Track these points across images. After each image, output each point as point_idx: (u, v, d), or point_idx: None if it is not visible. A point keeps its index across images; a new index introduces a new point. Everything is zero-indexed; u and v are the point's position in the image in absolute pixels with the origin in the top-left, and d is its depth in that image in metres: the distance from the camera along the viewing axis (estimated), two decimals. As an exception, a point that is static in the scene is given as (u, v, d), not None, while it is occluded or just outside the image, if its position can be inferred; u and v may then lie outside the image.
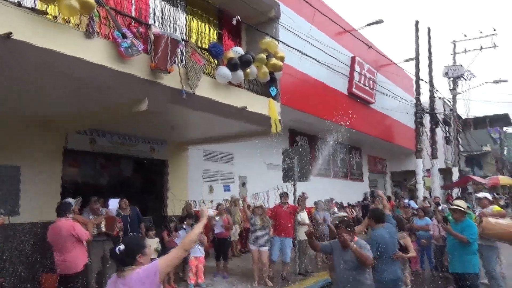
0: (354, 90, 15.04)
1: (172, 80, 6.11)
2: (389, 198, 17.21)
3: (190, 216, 8.02)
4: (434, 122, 17.98)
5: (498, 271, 7.88)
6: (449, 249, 5.77)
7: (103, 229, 6.59)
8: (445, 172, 23.10)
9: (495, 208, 7.34)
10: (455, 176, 21.15)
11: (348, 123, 14.61)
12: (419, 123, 16.60)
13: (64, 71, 4.84)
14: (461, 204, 5.92)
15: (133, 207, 7.74)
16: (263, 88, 8.29)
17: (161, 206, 10.14)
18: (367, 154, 21.06)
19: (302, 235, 8.56)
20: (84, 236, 5.36)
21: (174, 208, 9.83)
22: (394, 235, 4.73)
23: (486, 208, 7.21)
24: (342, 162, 18.34)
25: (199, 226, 2.79)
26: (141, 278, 2.47)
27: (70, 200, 5.97)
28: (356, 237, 3.91)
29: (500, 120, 45.63)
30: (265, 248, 7.63)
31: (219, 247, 8.27)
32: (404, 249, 5.09)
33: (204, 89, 6.70)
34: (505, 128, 50.91)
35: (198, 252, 7.52)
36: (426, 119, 17.73)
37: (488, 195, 7.76)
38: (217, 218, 3.03)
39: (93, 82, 5.23)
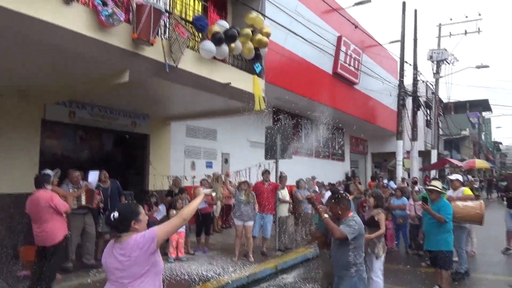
0: (339, 70, 15.04)
1: (154, 52, 5.96)
2: (372, 179, 17.58)
3: (182, 191, 8.05)
4: (416, 105, 18.22)
5: (468, 249, 8.22)
6: (425, 228, 5.94)
7: (83, 202, 6.54)
8: (424, 154, 23.60)
9: (465, 190, 7.59)
10: (434, 158, 21.64)
11: (332, 103, 14.70)
12: (401, 106, 16.79)
13: (42, 39, 4.67)
14: (438, 184, 6.08)
15: (114, 180, 7.68)
16: (248, 65, 8.21)
17: (142, 181, 10.09)
18: (349, 135, 21.27)
19: (282, 211, 8.71)
20: (63, 208, 5.30)
21: (155, 183, 9.80)
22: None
23: (457, 190, 7.43)
24: (325, 142, 18.50)
25: (197, 201, 2.81)
26: (138, 243, 2.48)
27: (49, 171, 5.87)
28: (350, 213, 3.91)
29: (479, 105, 46.69)
30: (250, 223, 7.72)
31: (202, 223, 8.32)
32: (377, 225, 5.26)
33: (188, 63, 6.59)
34: (484, 113, 52.11)
35: (179, 226, 7.56)
36: (409, 101, 17.95)
37: (460, 177, 7.99)
38: (213, 194, 3.04)
39: (72, 52, 5.07)
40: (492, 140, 65.27)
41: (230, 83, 7.42)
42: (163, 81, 6.36)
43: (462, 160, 30.44)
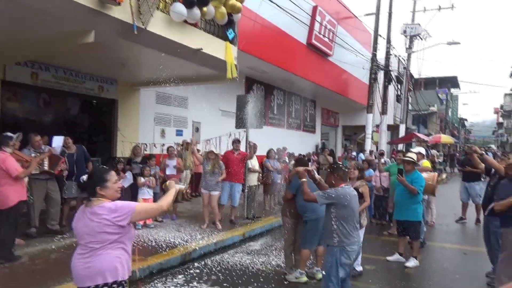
0: (314, 41, 14.93)
1: (122, 12, 5.68)
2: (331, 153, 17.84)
3: (150, 157, 7.94)
4: (388, 79, 18.48)
5: (428, 220, 8.61)
6: (396, 199, 6.11)
7: (45, 167, 6.32)
8: (393, 128, 24.16)
9: (424, 163, 7.98)
10: (402, 133, 22.21)
11: (305, 74, 14.67)
12: (373, 79, 16.98)
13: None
14: (414, 156, 6.24)
15: (80, 145, 7.46)
16: (220, 30, 7.98)
17: (110, 147, 9.88)
18: (321, 107, 21.43)
19: (251, 181, 8.77)
20: (14, 171, 5.10)
21: (123, 150, 9.61)
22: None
23: (419, 162, 7.68)
24: (296, 113, 18.59)
25: (172, 194, 2.81)
26: (110, 209, 2.48)
27: (10, 134, 5.60)
28: (342, 184, 3.91)
29: (448, 81, 47.95)
30: (215, 193, 7.74)
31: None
32: (360, 197, 5.39)
33: (157, 25, 6.33)
34: (452, 90, 53.60)
35: (147, 194, 7.51)
36: (380, 75, 18.16)
37: (423, 150, 8.27)
38: (182, 187, 2.98)
39: (33, 6, 4.75)
40: (458, 116, 67.53)
41: (202, 49, 7.22)
42: (130, 43, 6.11)
43: (428, 135, 31.46)
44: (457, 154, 31.07)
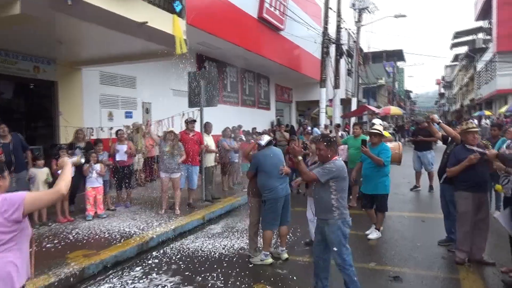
0: (265, 15, 14.53)
1: (52, -20, 5.02)
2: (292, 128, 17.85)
3: (97, 142, 7.37)
4: (339, 53, 18.55)
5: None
6: (364, 172, 6.04)
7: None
8: (345, 102, 24.54)
9: (385, 133, 8.05)
10: (354, 106, 22.61)
11: (257, 49, 14.31)
12: (325, 53, 16.93)
13: None
14: (380, 128, 6.15)
15: (15, 134, 6.73)
16: (166, 3, 7.39)
17: (53, 133, 9.08)
18: (274, 83, 21.23)
19: (208, 161, 8.43)
20: None
21: (68, 135, 8.86)
22: (279, 156, 5.04)
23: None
24: (250, 90, 18.27)
25: (68, 172, 2.44)
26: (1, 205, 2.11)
27: None
28: (335, 157, 3.79)
29: (395, 55, 49.57)
30: (176, 175, 7.34)
31: (122, 176, 7.75)
32: None
33: (95, -4, 5.69)
34: (398, 63, 55.51)
35: (96, 182, 6.97)
36: (332, 49, 18.16)
37: (381, 122, 8.33)
38: (82, 160, 2.61)
39: None
40: (404, 88, 70.38)
41: (147, 22, 6.64)
42: (65, 16, 5.46)
43: (378, 107, 32.39)
44: (406, 125, 32.35)
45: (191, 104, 8.41)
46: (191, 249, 5.66)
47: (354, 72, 23.28)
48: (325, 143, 3.76)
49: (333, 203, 3.70)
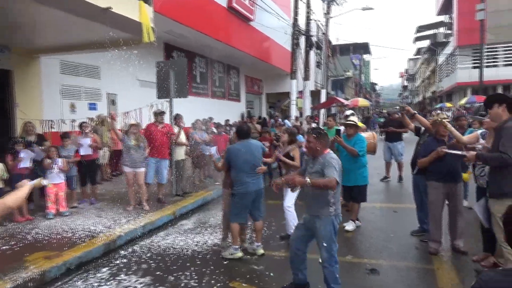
0: (234, 4, 14.23)
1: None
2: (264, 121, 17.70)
3: (41, 138, 6.86)
4: (309, 45, 18.52)
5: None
6: (342, 165, 5.93)
7: None
8: (315, 94, 24.65)
9: (359, 123, 7.99)
10: (323, 98, 22.74)
11: (227, 39, 14.01)
12: (295, 44, 16.83)
13: None
14: (356, 120, 6.06)
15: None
16: (132, -13, 6.99)
17: (9, 126, 8.49)
18: (244, 75, 20.99)
19: (178, 155, 8.13)
20: None
21: (26, 129, 8.29)
22: (253, 150, 4.82)
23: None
24: (220, 82, 17.95)
25: (23, 194, 2.21)
26: None
27: None
28: (327, 150, 3.65)
29: (361, 48, 50.49)
30: (141, 170, 7.01)
31: (86, 171, 7.33)
32: (292, 160, 5.28)
33: (53, -23, 5.26)
34: (364, 56, 56.53)
35: (57, 178, 6.54)
36: (301, 41, 18.09)
37: (350, 112, 8.29)
38: (44, 183, 2.37)
39: None
40: (370, 81, 71.89)
41: (111, 8, 6.22)
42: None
43: (346, 99, 32.82)
44: (372, 117, 32.98)
45: (161, 95, 8.07)
46: (162, 247, 5.40)
47: (323, 64, 23.38)
48: (314, 135, 3.60)
49: (330, 199, 3.56)
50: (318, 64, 25.79)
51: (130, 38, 7.15)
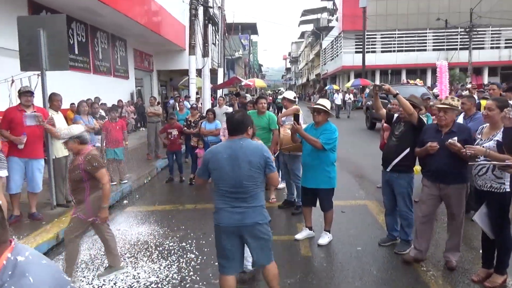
0: (123, -40, 11.68)
1: None
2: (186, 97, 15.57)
3: None
4: (207, 17, 16.77)
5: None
6: (304, 160, 4.66)
7: None
8: (212, 73, 23.06)
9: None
10: (220, 77, 21.28)
11: (113, 2, 11.49)
12: (193, 15, 14.90)
13: None
14: (327, 104, 4.61)
15: None
16: None
17: None
18: (133, 48, 18.24)
19: (58, 150, 5.86)
20: None
21: None
22: (242, 159, 3.29)
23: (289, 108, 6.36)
24: (104, 55, 15.07)
25: None
26: None
27: None
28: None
29: (249, 28, 50.22)
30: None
31: None
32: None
33: None
34: (252, 36, 56.58)
35: None
36: (199, 13, 16.22)
37: (287, 94, 6.93)
38: None
39: None
40: (258, 62, 72.93)
41: None
42: None
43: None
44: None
45: (26, 66, 5.65)
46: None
47: (220, 41, 21.82)
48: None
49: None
50: (213, 41, 24.12)
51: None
